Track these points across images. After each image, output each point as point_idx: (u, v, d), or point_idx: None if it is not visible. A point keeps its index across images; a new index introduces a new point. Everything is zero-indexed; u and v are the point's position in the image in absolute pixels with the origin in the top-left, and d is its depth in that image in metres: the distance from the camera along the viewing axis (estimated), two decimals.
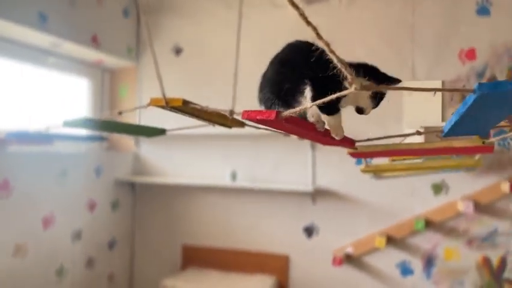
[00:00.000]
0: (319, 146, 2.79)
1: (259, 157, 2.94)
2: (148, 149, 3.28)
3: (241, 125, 1.22)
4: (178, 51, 3.19)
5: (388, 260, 2.67)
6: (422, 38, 2.60)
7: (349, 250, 2.70)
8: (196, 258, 3.09)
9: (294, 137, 0.99)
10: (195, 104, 0.99)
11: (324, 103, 0.68)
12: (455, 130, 0.92)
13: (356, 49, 2.72)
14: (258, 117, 0.71)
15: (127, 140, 3.29)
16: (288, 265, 2.88)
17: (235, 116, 0.87)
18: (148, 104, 1.09)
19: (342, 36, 2.75)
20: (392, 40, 2.66)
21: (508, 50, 2.47)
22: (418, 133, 0.96)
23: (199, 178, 3.03)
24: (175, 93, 3.17)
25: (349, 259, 2.73)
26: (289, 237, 2.87)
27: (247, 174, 2.94)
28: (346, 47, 2.74)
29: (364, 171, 1.57)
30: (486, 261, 2.49)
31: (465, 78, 2.53)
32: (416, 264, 2.62)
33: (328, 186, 2.78)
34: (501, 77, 2.47)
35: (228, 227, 3.02)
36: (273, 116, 0.70)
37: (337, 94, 0.65)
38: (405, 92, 2.59)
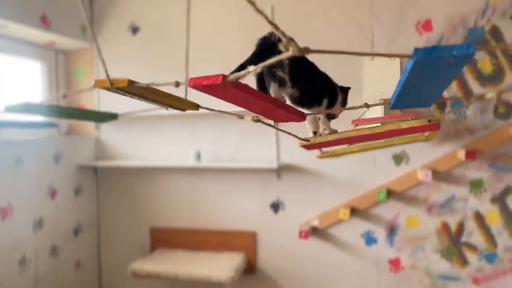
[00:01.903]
0: (283, 123, 2.78)
1: (223, 136, 2.92)
2: (110, 133, 3.20)
3: (195, 107, 1.19)
4: (135, 30, 3.08)
5: (352, 231, 2.73)
6: (381, 10, 2.61)
7: (315, 223, 2.75)
8: (164, 239, 3.07)
9: (248, 118, 0.97)
10: (141, 84, 0.95)
11: None
12: (401, 102, 0.93)
13: (316, 23, 2.71)
14: (204, 83, 0.70)
15: (87, 124, 3.20)
16: (256, 241, 2.91)
17: (181, 87, 0.84)
18: (94, 86, 1.04)
19: (302, 10, 2.73)
20: (351, 13, 2.66)
21: (463, 21, 2.51)
22: (366, 105, 0.97)
23: (163, 160, 2.99)
24: (133, 74, 3.07)
25: (315, 231, 2.78)
26: (256, 213, 2.89)
27: (212, 153, 2.92)
28: (306, 20, 2.73)
29: (320, 157, 1.57)
30: (445, 227, 2.59)
31: None
32: (380, 233, 2.69)
33: (292, 162, 2.79)
34: None
35: (194, 207, 3.01)
36: (219, 79, 0.68)
37: None
38: (365, 66, 2.60)
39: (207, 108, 1.12)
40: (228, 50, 2.80)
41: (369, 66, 2.60)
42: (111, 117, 1.26)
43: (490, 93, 0.79)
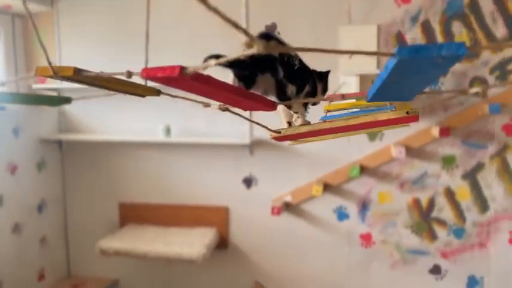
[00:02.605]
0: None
1: (193, 110, 2.80)
2: (75, 105, 3.03)
3: (156, 93, 1.08)
4: None
5: (325, 206, 2.72)
6: None
7: (288, 199, 2.72)
8: (134, 215, 2.99)
9: (215, 106, 0.88)
10: (90, 73, 0.84)
11: None
12: (380, 95, 0.85)
13: None
14: (159, 75, 0.61)
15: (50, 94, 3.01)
16: (228, 217, 2.86)
17: (134, 77, 0.74)
18: (35, 74, 0.92)
19: None
20: None
21: None
22: (342, 97, 0.89)
23: (131, 134, 2.85)
24: (94, 44, 2.88)
25: (288, 207, 2.75)
26: (228, 189, 2.83)
27: (182, 128, 2.81)
28: None
29: (292, 144, 1.50)
30: (416, 203, 2.60)
31: (400, 22, 2.49)
32: (352, 209, 2.69)
33: (265, 137, 2.72)
34: (434, 21, 2.45)
35: (165, 183, 2.92)
36: (176, 71, 0.60)
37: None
38: (341, 38, 2.52)
39: (169, 95, 1.02)
40: (197, 30, 2.65)
41: (345, 37, 2.51)
42: (63, 101, 1.14)
43: (475, 89, 0.73)
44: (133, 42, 2.65)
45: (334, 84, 2.52)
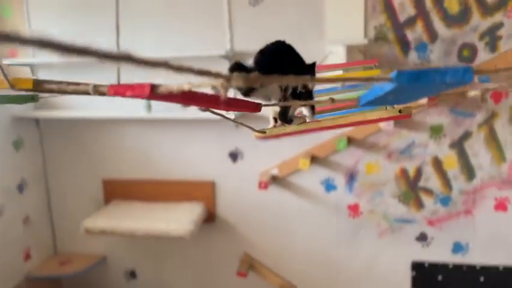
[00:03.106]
0: None
1: (174, 83, 2.70)
2: (51, 78, 2.89)
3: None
4: None
5: (312, 178, 2.69)
6: None
7: (275, 172, 2.68)
8: (119, 192, 2.93)
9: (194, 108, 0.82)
10: (51, 82, 0.76)
11: None
12: (374, 104, 0.78)
13: None
14: (127, 94, 0.55)
15: (22, 70, 2.85)
16: (214, 191, 2.83)
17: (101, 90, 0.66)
18: None
19: None
20: None
21: None
22: (332, 100, 0.82)
23: (111, 110, 2.74)
24: (65, 13, 2.68)
25: (275, 180, 2.72)
26: (214, 163, 2.78)
27: (163, 103, 2.70)
28: None
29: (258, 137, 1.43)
30: (403, 173, 2.59)
31: None
32: (339, 180, 2.67)
33: None
34: None
35: (150, 158, 2.84)
36: (146, 92, 0.54)
37: None
38: (327, 6, 2.41)
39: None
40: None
41: (331, 3, 2.40)
42: (29, 99, 1.05)
43: (474, 92, 0.67)
44: (104, 6, 2.51)
45: (320, 54, 2.44)
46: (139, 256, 3.03)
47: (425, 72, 0.43)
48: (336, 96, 1.00)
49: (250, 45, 2.56)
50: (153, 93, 0.53)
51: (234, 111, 0.89)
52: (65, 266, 2.89)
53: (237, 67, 0.78)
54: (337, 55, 2.34)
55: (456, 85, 0.46)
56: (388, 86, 0.46)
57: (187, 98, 0.60)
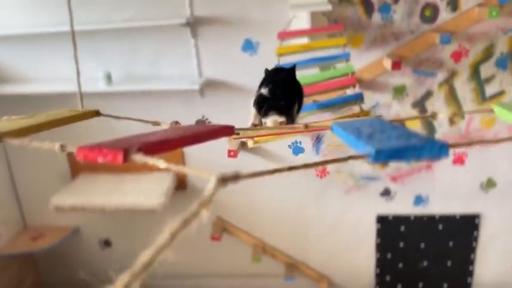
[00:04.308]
0: (201, 34, 2.50)
1: (135, 53, 2.58)
2: (1, 51, 2.70)
3: (96, 114, 0.98)
4: None
5: (280, 143, 2.72)
6: None
7: (243, 139, 2.68)
8: (86, 164, 2.87)
9: (166, 124, 0.84)
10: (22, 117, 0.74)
11: None
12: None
13: None
14: (99, 160, 0.54)
15: None
16: (184, 159, 2.82)
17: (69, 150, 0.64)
18: None
19: None
20: None
21: None
22: (305, 127, 0.83)
23: (67, 83, 2.61)
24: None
25: (244, 146, 2.73)
26: None
27: (124, 73, 2.60)
28: None
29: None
30: None
31: None
32: (307, 143, 2.72)
33: (216, 77, 2.59)
34: None
35: (114, 132, 2.76)
36: (119, 159, 0.53)
37: None
38: None
39: (111, 116, 0.94)
40: None
41: None
42: None
43: (442, 114, 0.69)
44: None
45: (284, 18, 2.38)
46: (113, 225, 3.05)
47: (403, 149, 0.44)
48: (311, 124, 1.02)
49: (213, 10, 2.46)
50: (128, 158, 0.52)
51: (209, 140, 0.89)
52: (37, 241, 2.88)
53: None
54: (301, 19, 2.29)
55: (432, 159, 0.48)
56: (365, 152, 0.47)
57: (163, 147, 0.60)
